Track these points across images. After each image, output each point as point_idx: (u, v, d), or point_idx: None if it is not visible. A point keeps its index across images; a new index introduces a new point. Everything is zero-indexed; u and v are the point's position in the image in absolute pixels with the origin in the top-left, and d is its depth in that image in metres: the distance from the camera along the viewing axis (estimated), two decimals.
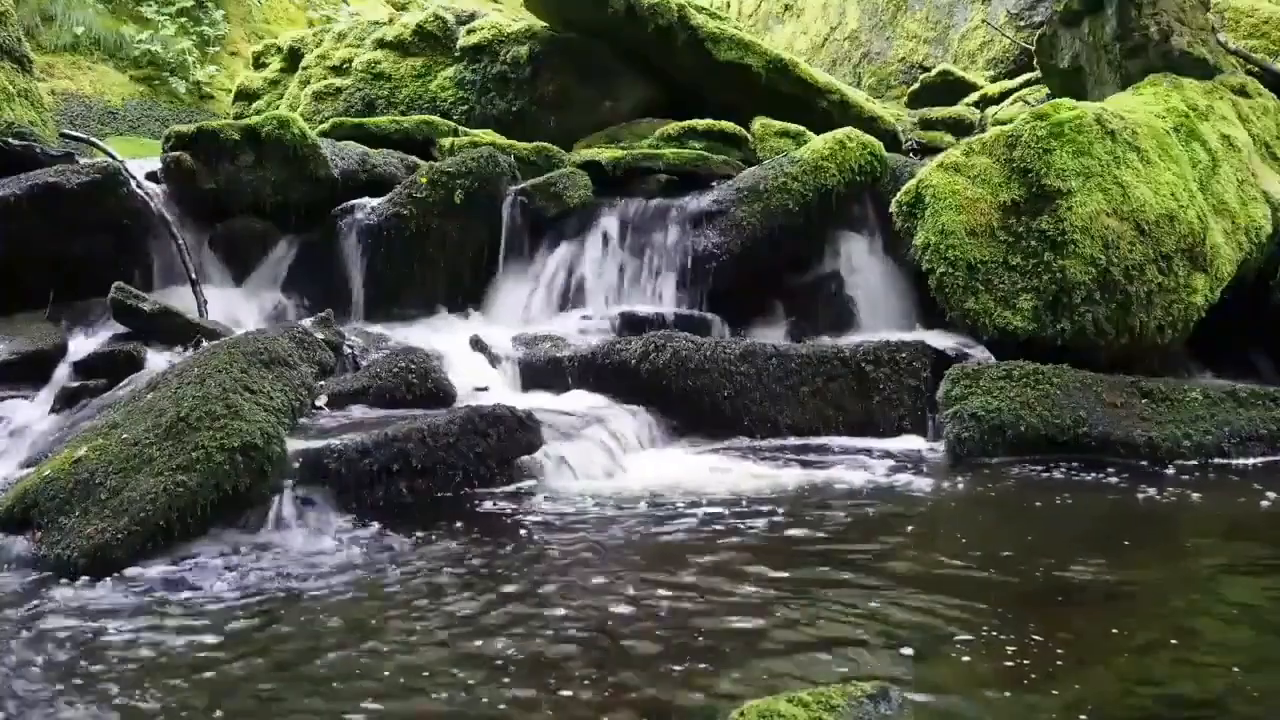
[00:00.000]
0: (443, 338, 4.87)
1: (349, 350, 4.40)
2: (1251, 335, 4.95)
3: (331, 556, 2.92)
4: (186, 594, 2.66)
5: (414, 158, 5.86)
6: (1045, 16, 7.81)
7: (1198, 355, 4.86)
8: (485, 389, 4.39)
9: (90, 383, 4.09)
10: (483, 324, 5.18)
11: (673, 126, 6.14)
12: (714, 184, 5.57)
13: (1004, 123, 5.74)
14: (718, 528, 3.16)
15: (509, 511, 3.36)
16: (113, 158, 5.29)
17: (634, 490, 3.58)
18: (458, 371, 4.44)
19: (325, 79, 7.40)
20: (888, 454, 4.09)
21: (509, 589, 2.66)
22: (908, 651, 2.24)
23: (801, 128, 6.17)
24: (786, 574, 2.75)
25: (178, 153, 5.26)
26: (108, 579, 2.73)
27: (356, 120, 6.41)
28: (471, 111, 6.91)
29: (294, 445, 3.31)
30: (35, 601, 2.61)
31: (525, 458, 3.65)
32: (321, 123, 6.47)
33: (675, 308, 5.15)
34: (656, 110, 6.67)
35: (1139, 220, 4.36)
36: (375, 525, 3.15)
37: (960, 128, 7.09)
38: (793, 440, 4.26)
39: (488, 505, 3.41)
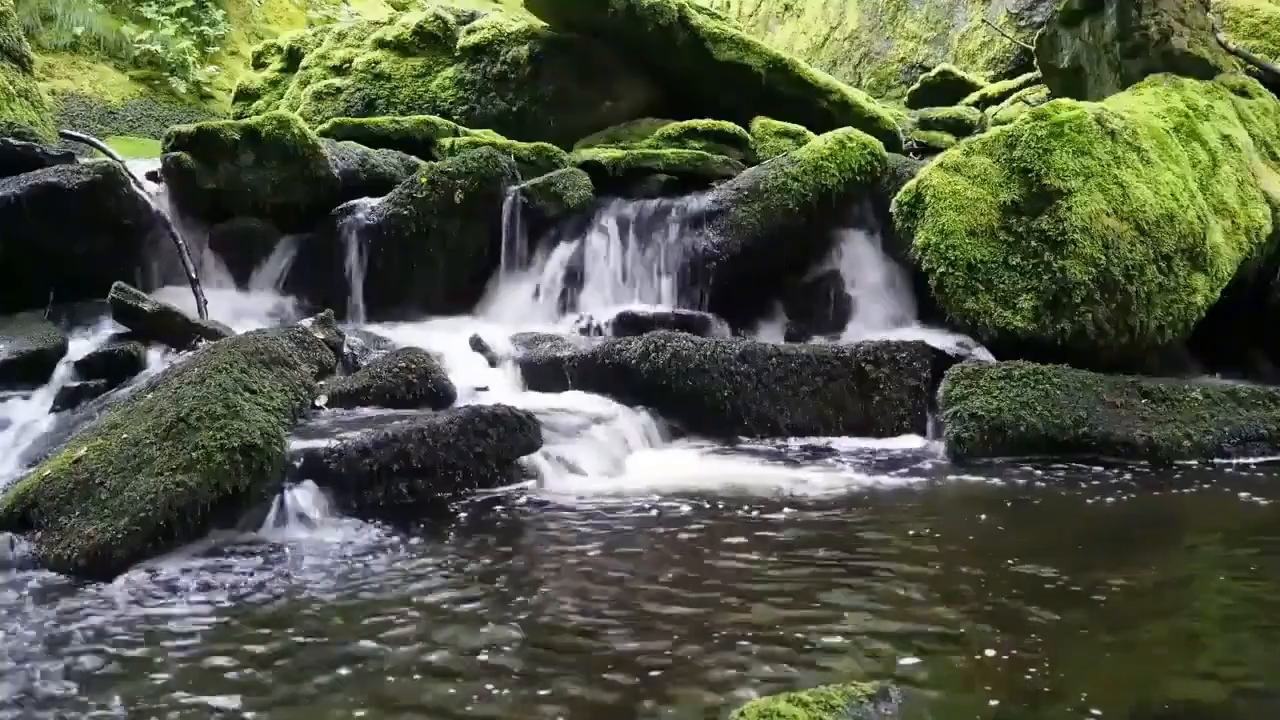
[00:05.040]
0: (443, 338, 4.87)
1: (349, 350, 4.40)
2: (1251, 335, 4.95)
3: (331, 556, 2.92)
4: (187, 594, 2.66)
5: (414, 158, 5.86)
6: (1045, 16, 7.81)
7: (1198, 355, 4.86)
8: (485, 389, 4.39)
9: (90, 383, 4.09)
10: (483, 324, 5.18)
11: (673, 126, 6.14)
12: (714, 184, 5.57)
13: (1004, 123, 5.74)
14: (717, 528, 3.16)
15: (509, 511, 3.36)
16: (113, 158, 5.29)
17: (634, 490, 3.58)
18: (458, 371, 4.44)
19: (325, 79, 7.40)
20: (887, 454, 4.09)
21: (509, 588, 2.66)
22: (908, 651, 2.24)
23: (801, 128, 6.17)
24: (786, 574, 2.75)
25: (178, 153, 5.27)
26: (108, 579, 2.73)
27: (356, 120, 6.41)
28: (471, 111, 6.91)
29: (294, 445, 3.31)
30: (35, 601, 2.61)
31: (525, 458, 3.65)
32: (322, 123, 6.47)
33: (675, 308, 5.16)
34: (656, 110, 6.67)
35: (1139, 220, 4.36)
36: (375, 525, 3.16)
37: (960, 128, 7.09)
38: (793, 440, 4.26)
39: (488, 505, 3.41)
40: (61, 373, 4.27)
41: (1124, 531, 3.18)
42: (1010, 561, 2.83)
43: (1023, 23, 9.25)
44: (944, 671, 2.15)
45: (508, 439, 3.59)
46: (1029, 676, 2.11)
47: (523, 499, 3.48)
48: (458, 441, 3.49)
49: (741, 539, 3.04)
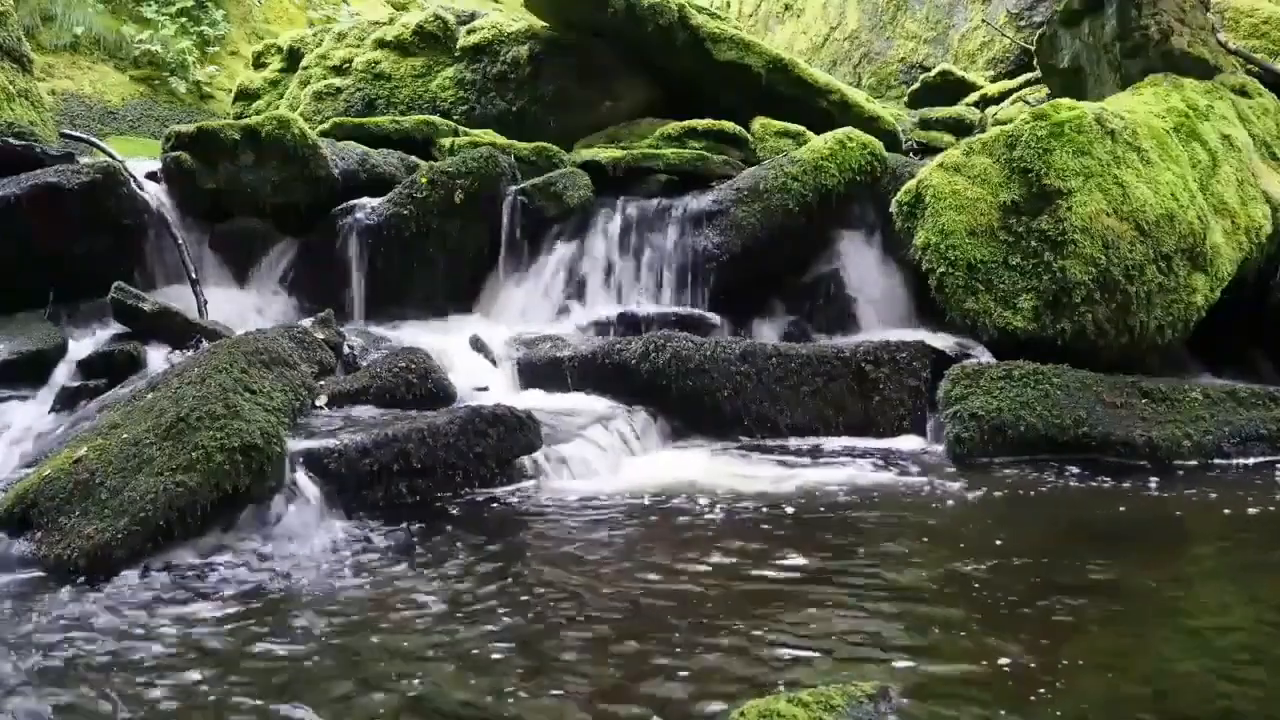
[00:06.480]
0: (442, 338, 4.87)
1: (349, 350, 4.40)
2: (1251, 335, 4.95)
3: (331, 556, 2.92)
4: (186, 594, 2.66)
5: (414, 158, 5.86)
6: (1045, 16, 7.81)
7: (1198, 355, 4.86)
8: (485, 389, 4.39)
9: (90, 383, 4.09)
10: (482, 324, 5.18)
11: (673, 126, 6.14)
12: (714, 184, 5.57)
13: (1004, 123, 5.74)
14: (717, 528, 3.16)
15: (508, 511, 3.36)
16: (113, 158, 5.29)
17: (634, 490, 3.58)
18: (458, 371, 4.44)
19: (325, 79, 7.40)
20: (887, 454, 4.09)
21: (508, 588, 2.66)
22: (908, 651, 2.24)
23: (801, 128, 6.17)
24: (786, 574, 2.75)
25: (178, 153, 5.26)
26: (108, 579, 2.73)
27: (356, 120, 6.41)
28: (471, 111, 6.91)
29: (294, 445, 3.31)
30: (35, 602, 2.61)
31: (525, 458, 3.65)
32: (322, 123, 6.47)
33: (675, 308, 5.15)
34: (656, 110, 6.66)
35: (1139, 220, 4.36)
36: (375, 525, 3.16)
37: (960, 128, 7.08)
38: (793, 440, 4.26)
39: (487, 505, 3.41)
40: (61, 373, 4.27)
41: (1124, 532, 3.18)
42: (1010, 561, 2.83)
43: (1023, 23, 9.25)
44: (944, 671, 2.15)
45: (508, 439, 3.59)
46: (1029, 677, 2.11)
47: (523, 499, 3.48)
48: (458, 441, 3.49)
49: (742, 539, 3.04)
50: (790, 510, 3.31)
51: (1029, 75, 7.98)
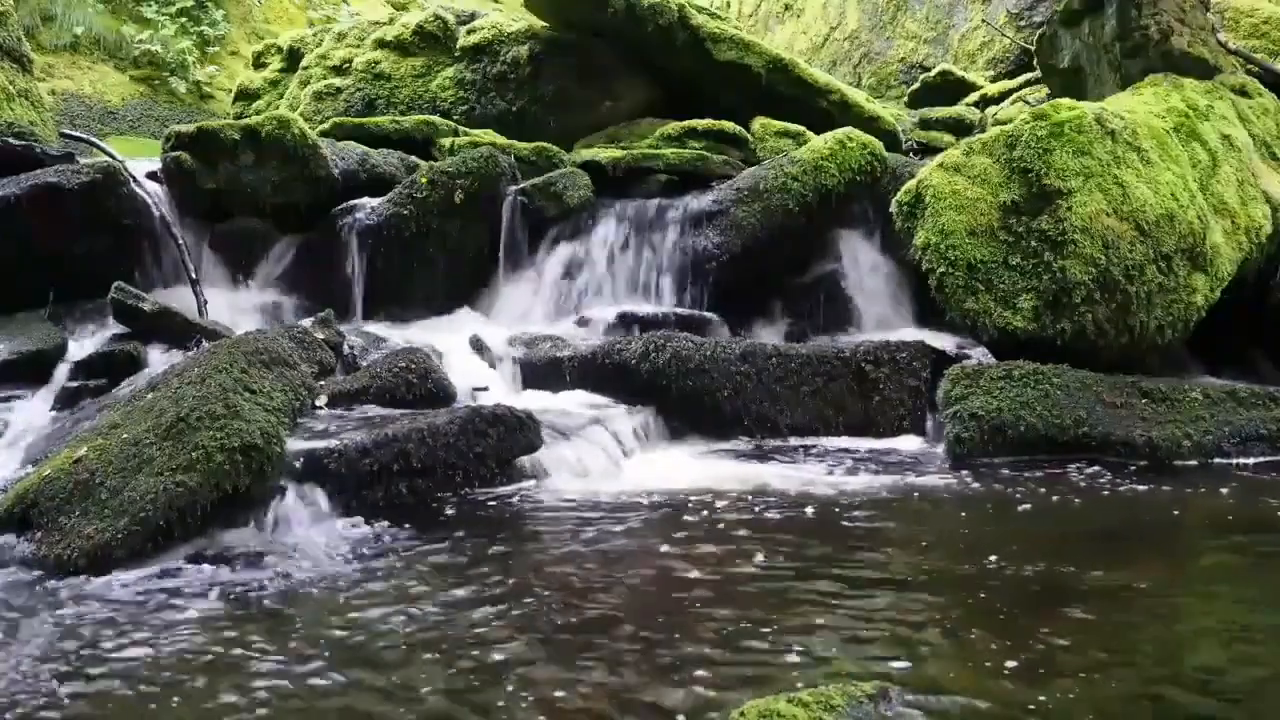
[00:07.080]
0: (443, 338, 4.87)
1: (349, 350, 4.40)
2: (1251, 335, 4.95)
3: (331, 556, 2.92)
4: (186, 594, 2.66)
5: (414, 158, 5.86)
6: (1045, 16, 7.81)
7: (1198, 355, 4.86)
8: (485, 389, 4.39)
9: (90, 383, 4.09)
10: (482, 324, 5.18)
11: (673, 126, 6.14)
12: (714, 184, 5.57)
13: (1004, 123, 5.74)
14: (717, 528, 3.16)
15: (508, 511, 3.36)
16: (113, 158, 5.29)
17: (634, 491, 3.58)
18: (458, 371, 4.43)
19: (325, 79, 7.40)
20: (888, 454, 4.09)
21: (508, 589, 2.66)
22: (908, 651, 2.24)
23: (801, 128, 6.17)
24: (786, 573, 2.75)
25: (178, 153, 5.27)
26: (108, 579, 2.73)
27: (356, 120, 6.41)
28: (471, 111, 6.91)
29: (294, 445, 3.31)
30: (35, 602, 2.61)
31: (525, 458, 3.66)
32: (322, 123, 6.48)
33: (675, 308, 5.16)
34: (656, 110, 6.66)
35: (1139, 220, 4.36)
36: (375, 525, 3.16)
37: (960, 128, 7.08)
38: (793, 440, 4.26)
39: (487, 505, 3.41)
40: (61, 373, 4.27)
41: (1124, 532, 3.18)
42: (1010, 562, 2.83)
43: (1023, 23, 9.25)
44: (944, 672, 2.15)
45: (508, 439, 3.59)
46: (1029, 677, 2.11)
47: (523, 499, 3.49)
48: (458, 441, 3.49)
49: (741, 539, 3.04)
50: (789, 510, 3.31)
51: (1029, 75, 7.98)
